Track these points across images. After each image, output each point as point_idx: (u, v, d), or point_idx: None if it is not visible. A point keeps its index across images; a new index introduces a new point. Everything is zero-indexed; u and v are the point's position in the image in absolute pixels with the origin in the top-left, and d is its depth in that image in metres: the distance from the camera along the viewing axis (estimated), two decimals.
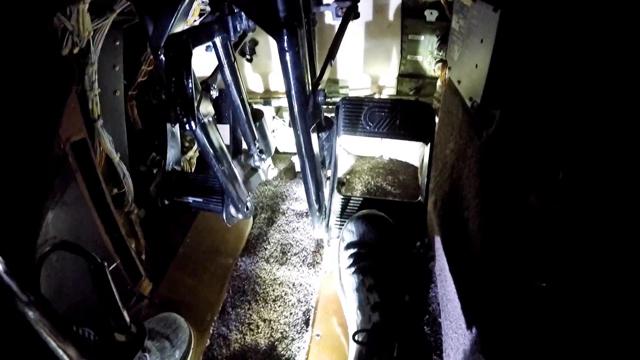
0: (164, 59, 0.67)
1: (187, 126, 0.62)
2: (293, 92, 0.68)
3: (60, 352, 0.38)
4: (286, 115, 1.55)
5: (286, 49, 0.60)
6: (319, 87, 0.75)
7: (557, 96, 0.64)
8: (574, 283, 0.56)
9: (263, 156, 1.19)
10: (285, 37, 0.59)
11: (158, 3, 0.70)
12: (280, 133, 1.56)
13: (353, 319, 0.91)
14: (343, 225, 1.02)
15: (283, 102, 1.51)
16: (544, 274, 0.61)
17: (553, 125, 0.63)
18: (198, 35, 0.68)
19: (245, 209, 1.11)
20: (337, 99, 1.45)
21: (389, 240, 0.96)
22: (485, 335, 0.71)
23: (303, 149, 0.80)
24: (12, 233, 0.67)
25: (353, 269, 0.94)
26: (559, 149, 0.61)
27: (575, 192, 0.56)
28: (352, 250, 0.95)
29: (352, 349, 0.88)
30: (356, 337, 0.84)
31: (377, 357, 0.79)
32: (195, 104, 0.67)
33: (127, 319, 0.47)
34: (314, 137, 0.81)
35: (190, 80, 0.60)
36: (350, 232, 0.97)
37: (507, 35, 0.71)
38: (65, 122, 0.84)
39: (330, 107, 1.45)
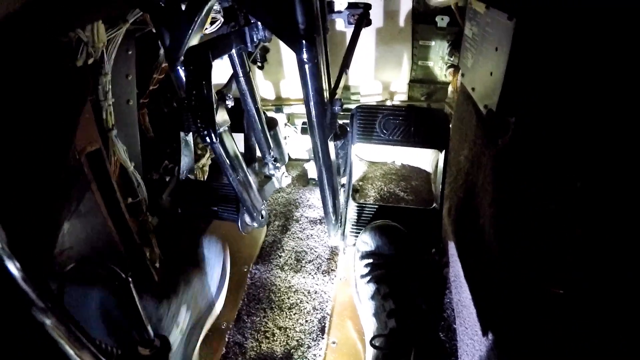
0: (182, 71, 0.68)
1: (207, 139, 0.63)
2: (312, 103, 0.69)
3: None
4: (298, 122, 1.56)
5: (305, 60, 0.61)
6: (335, 96, 0.76)
7: (574, 104, 0.64)
8: (593, 290, 0.56)
9: (277, 164, 1.19)
10: (305, 49, 0.60)
11: (174, 14, 0.71)
12: (292, 140, 1.57)
13: (369, 326, 0.92)
14: (358, 233, 1.02)
15: (295, 109, 1.52)
16: (561, 281, 0.60)
17: (570, 134, 0.63)
18: (217, 47, 0.69)
19: (260, 218, 1.11)
20: (349, 106, 1.46)
21: (403, 251, 0.97)
22: (501, 341, 0.71)
23: (321, 159, 0.81)
24: (29, 242, 0.67)
25: (368, 278, 0.95)
26: (577, 158, 0.60)
27: (592, 201, 0.56)
28: (367, 261, 0.97)
29: (369, 354, 0.88)
30: (373, 342, 0.85)
31: None
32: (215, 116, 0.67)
33: (151, 332, 0.47)
34: (331, 145, 0.81)
35: (210, 94, 0.60)
36: (364, 243, 0.99)
37: (523, 44, 0.71)
38: (80, 132, 0.84)
39: (343, 113, 1.45)
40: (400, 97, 1.48)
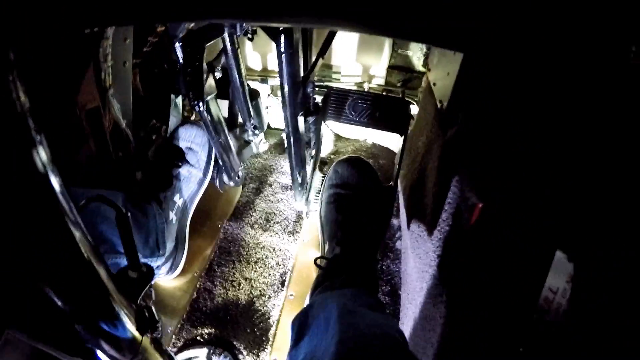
0: (179, 50, 0.78)
1: (196, 108, 0.74)
2: (285, 84, 0.80)
3: (96, 270, 0.49)
4: (280, 94, 1.64)
5: (283, 51, 0.71)
6: (309, 79, 0.87)
7: (517, 108, 0.73)
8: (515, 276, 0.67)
9: (256, 131, 1.30)
10: (283, 42, 0.70)
11: None
12: (274, 110, 1.65)
13: (324, 247, 1.07)
14: (320, 197, 1.15)
15: (279, 81, 1.59)
16: (485, 265, 0.71)
17: (507, 133, 0.73)
18: (211, 32, 0.79)
19: (236, 178, 1.23)
20: (329, 83, 1.56)
21: (367, 185, 1.10)
22: (433, 304, 0.84)
23: (290, 131, 0.92)
24: None
25: (331, 205, 1.08)
26: (511, 156, 0.70)
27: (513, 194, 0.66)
28: (334, 190, 1.10)
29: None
30: (317, 262, 0.99)
31: (329, 281, 0.94)
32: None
33: (140, 260, 0.59)
34: (300, 120, 0.92)
35: (202, 72, 0.71)
36: (336, 172, 1.12)
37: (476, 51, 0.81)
38: (82, 91, 0.93)
39: (322, 89, 1.54)
40: (378, 80, 1.56)
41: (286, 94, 0.82)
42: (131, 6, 0.35)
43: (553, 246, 0.49)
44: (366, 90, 1.55)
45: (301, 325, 0.80)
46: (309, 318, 0.80)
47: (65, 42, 0.87)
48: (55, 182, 0.40)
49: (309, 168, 1.13)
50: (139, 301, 0.58)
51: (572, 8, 0.32)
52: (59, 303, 0.43)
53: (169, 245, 1.14)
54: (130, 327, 0.54)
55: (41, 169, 0.38)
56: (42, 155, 0.37)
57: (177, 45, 0.78)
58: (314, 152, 1.16)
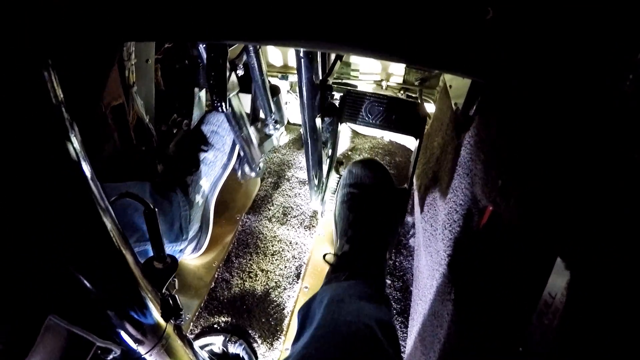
0: (203, 51, 0.81)
1: (219, 109, 0.77)
2: (304, 86, 0.83)
3: (125, 258, 0.53)
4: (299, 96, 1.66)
5: (302, 55, 0.75)
6: (328, 81, 0.89)
7: (532, 114, 0.74)
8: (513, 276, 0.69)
9: (277, 126, 1.34)
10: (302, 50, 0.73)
11: None
12: (293, 106, 1.69)
13: (337, 243, 1.11)
14: (335, 196, 1.18)
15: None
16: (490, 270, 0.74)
17: (520, 141, 0.74)
18: None
19: (257, 169, 1.28)
20: (348, 80, 1.58)
21: (380, 185, 1.13)
22: (442, 302, 0.87)
23: (308, 132, 0.95)
24: None
25: (345, 204, 1.11)
26: (521, 163, 0.72)
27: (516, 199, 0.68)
28: (348, 189, 1.13)
29: None
30: (326, 258, 1.04)
31: (335, 276, 0.99)
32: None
33: (166, 252, 0.64)
34: (318, 122, 0.95)
35: (225, 72, 0.74)
36: (350, 172, 1.15)
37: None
38: (107, 90, 0.98)
39: (341, 87, 1.56)
40: (396, 79, 1.58)
41: (304, 96, 0.85)
42: (163, 26, 0.38)
43: (555, 252, 0.51)
44: (384, 88, 1.57)
45: (304, 316, 0.87)
46: (310, 310, 0.86)
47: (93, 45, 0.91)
48: (86, 170, 0.43)
49: (325, 167, 1.16)
50: (164, 290, 0.63)
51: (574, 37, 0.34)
52: (93, 290, 0.47)
53: (195, 226, 1.20)
54: (156, 315, 0.59)
55: (74, 156, 0.41)
56: (75, 144, 0.41)
57: (201, 46, 0.82)
58: (330, 152, 1.19)
